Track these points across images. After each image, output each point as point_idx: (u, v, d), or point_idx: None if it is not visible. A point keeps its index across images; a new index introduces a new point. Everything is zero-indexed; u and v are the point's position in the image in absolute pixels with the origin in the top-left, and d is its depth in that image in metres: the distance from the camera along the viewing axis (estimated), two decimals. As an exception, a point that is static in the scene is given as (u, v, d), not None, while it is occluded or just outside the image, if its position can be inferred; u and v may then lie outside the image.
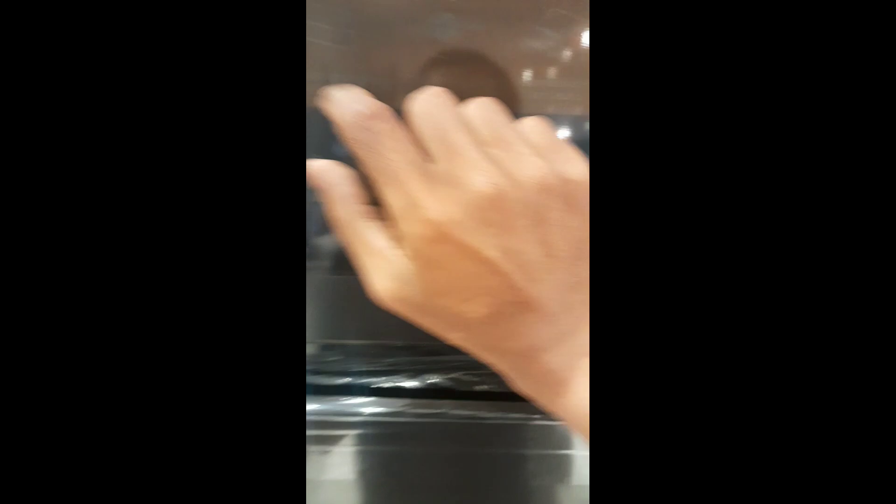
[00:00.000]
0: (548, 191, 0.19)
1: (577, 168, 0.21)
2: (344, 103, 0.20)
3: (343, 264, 0.27)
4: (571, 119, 0.29)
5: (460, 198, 0.19)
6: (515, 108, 0.27)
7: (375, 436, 0.36)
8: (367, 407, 0.35)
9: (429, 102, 0.20)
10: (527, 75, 0.28)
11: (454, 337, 0.21)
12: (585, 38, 0.27)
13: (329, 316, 0.30)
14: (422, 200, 0.19)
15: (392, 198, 0.19)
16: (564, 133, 0.29)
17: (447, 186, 0.19)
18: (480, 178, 0.19)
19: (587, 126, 0.29)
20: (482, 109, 0.21)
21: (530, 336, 0.20)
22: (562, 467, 0.35)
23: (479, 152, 0.19)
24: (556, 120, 0.27)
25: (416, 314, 0.21)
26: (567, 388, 0.21)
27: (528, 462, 0.35)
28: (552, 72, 0.28)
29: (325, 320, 0.31)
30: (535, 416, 0.33)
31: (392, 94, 0.22)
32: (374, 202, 0.22)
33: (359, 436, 0.36)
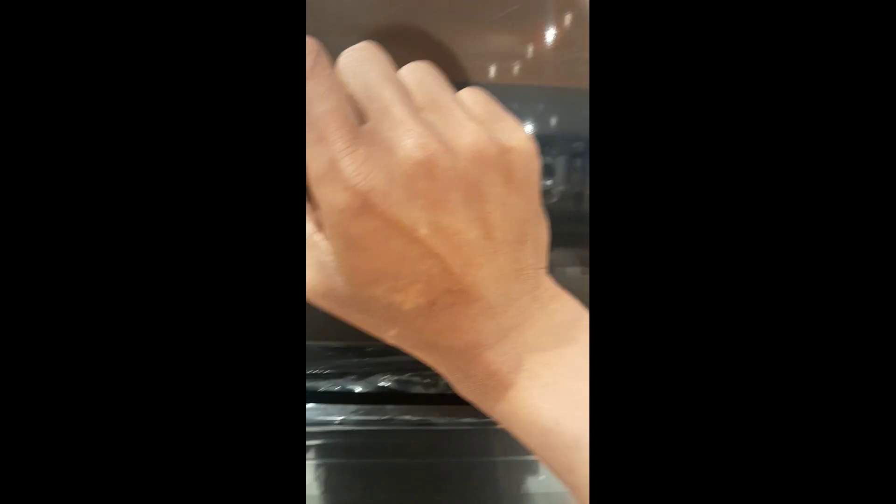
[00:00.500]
0: (485, 161, 0.17)
1: (519, 137, 0.18)
2: None
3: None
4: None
5: (386, 163, 0.16)
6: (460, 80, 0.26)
7: (322, 446, 0.33)
8: (312, 414, 0.32)
9: (356, 56, 0.17)
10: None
11: (390, 335, 0.19)
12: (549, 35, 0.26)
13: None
14: (343, 163, 0.16)
15: (311, 156, 0.16)
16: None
17: (372, 149, 0.16)
18: (409, 140, 0.16)
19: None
20: (416, 72, 0.18)
21: (471, 331, 0.18)
22: (517, 474, 0.34)
23: (409, 111, 0.17)
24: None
25: (344, 310, 0.19)
26: (511, 391, 0.19)
27: (481, 470, 0.33)
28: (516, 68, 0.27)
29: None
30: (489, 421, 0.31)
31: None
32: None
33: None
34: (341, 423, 0.32)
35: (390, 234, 0.16)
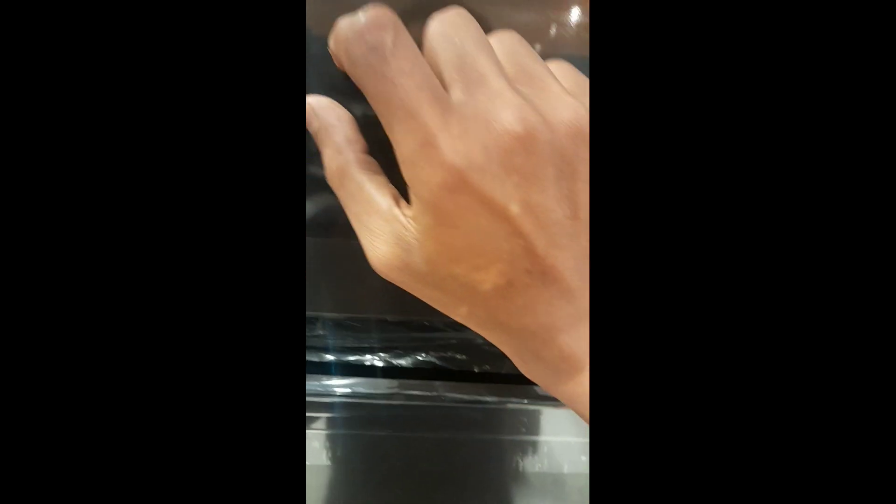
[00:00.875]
0: (581, 137, 0.16)
1: None
2: (345, 23, 0.16)
3: (325, 225, 0.24)
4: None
5: (484, 137, 0.15)
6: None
7: (360, 418, 0.33)
8: (353, 387, 0.32)
9: (448, 22, 0.16)
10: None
11: (460, 313, 0.18)
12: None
13: (310, 285, 0.27)
14: (439, 139, 0.15)
15: (401, 135, 0.16)
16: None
17: (468, 122, 0.15)
18: (508, 113, 0.15)
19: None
20: (506, 41, 0.18)
21: (547, 313, 0.17)
22: (561, 455, 0.33)
23: (506, 83, 0.16)
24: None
25: (417, 286, 0.18)
26: (584, 374, 0.18)
27: (523, 449, 0.33)
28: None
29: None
30: (535, 401, 0.31)
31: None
32: (378, 152, 0.19)
33: (342, 418, 0.33)
34: (385, 396, 0.31)
35: (481, 210, 0.16)
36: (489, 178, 0.15)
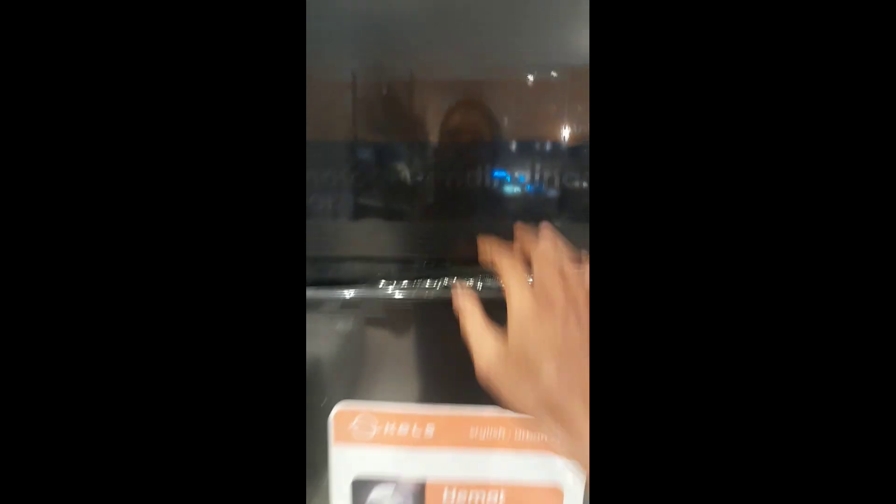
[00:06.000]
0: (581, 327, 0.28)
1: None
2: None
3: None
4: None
5: (538, 314, 0.29)
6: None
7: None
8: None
9: (547, 252, 0.31)
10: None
11: (523, 401, 0.29)
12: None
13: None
14: (520, 295, 0.29)
15: (512, 296, 0.29)
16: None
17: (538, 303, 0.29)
18: (536, 309, 0.29)
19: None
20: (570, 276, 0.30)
21: (550, 391, 0.28)
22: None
23: (554, 295, 0.29)
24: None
25: (502, 382, 0.29)
26: (582, 438, 0.27)
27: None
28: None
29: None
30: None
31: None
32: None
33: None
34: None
35: (527, 365, 0.28)
36: (543, 326, 0.28)
